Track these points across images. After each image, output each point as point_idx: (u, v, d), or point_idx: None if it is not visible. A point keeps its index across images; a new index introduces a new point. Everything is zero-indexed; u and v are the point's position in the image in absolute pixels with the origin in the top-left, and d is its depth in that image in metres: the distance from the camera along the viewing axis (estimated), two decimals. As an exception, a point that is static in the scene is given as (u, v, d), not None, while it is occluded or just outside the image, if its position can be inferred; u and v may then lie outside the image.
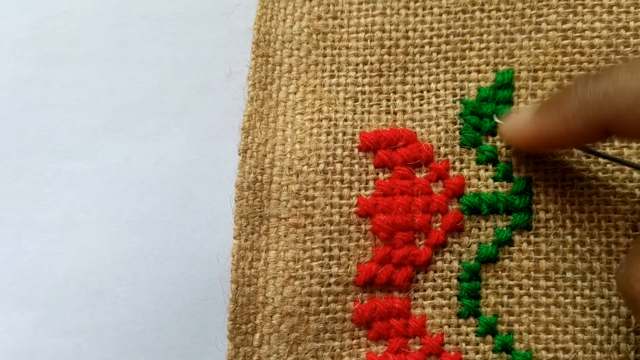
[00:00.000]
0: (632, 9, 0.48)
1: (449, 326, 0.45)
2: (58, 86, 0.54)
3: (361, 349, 0.45)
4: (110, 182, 0.52)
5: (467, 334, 0.45)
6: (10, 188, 0.52)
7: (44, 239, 0.51)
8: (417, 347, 0.45)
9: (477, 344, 0.45)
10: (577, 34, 0.48)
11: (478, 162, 0.47)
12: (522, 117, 0.44)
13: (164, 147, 0.52)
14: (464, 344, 0.45)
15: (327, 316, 0.45)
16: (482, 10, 0.49)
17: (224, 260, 0.46)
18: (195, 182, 0.51)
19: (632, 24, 0.48)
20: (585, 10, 0.48)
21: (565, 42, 0.48)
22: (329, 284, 0.45)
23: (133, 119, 0.53)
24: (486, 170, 0.47)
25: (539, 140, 0.42)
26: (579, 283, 0.45)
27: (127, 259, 0.50)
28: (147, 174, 0.52)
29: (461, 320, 0.45)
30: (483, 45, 0.49)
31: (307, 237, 0.46)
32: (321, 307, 0.45)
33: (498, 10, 0.49)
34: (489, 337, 0.45)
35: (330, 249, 0.45)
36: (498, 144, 0.47)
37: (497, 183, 0.46)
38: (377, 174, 0.47)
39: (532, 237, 0.45)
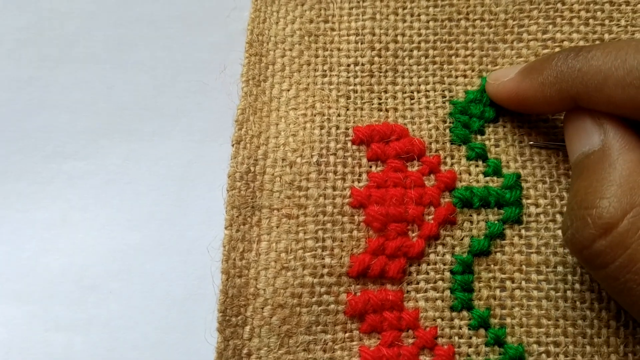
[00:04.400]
0: (606, 22, 0.46)
1: (442, 319, 0.41)
2: (57, 87, 0.51)
3: (354, 342, 0.40)
4: (108, 182, 0.48)
5: (460, 327, 0.40)
6: (10, 187, 0.49)
7: (43, 237, 0.47)
8: (411, 341, 0.40)
9: (470, 338, 0.40)
10: (556, 44, 0.46)
11: (468, 159, 0.43)
12: (506, 72, 0.43)
13: (161, 148, 0.49)
14: (457, 338, 0.40)
15: (320, 308, 0.40)
16: (467, 19, 0.47)
17: (214, 252, 0.41)
18: (190, 182, 0.48)
19: (606, 36, 0.46)
20: (564, 22, 0.46)
21: (545, 51, 0.46)
22: (322, 275, 0.40)
23: (131, 120, 0.50)
24: (476, 166, 0.43)
25: (517, 97, 0.41)
26: (569, 277, 0.41)
27: (123, 255, 0.47)
28: (144, 173, 0.48)
29: (454, 314, 0.41)
30: (468, 52, 0.46)
31: (299, 228, 0.41)
32: (313, 299, 0.40)
33: (482, 19, 0.47)
34: (482, 331, 0.40)
35: (323, 240, 0.41)
36: (487, 142, 0.44)
37: (487, 178, 0.43)
38: (370, 166, 0.43)
39: (523, 231, 0.42)
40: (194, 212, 0.47)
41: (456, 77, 0.46)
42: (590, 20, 0.46)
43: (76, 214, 0.48)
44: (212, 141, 0.49)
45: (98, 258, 0.46)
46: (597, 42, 0.46)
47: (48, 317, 0.45)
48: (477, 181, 0.43)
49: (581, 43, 0.46)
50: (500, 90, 0.43)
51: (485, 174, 0.43)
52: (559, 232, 0.41)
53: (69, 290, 0.46)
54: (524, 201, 0.42)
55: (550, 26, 0.46)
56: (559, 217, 0.42)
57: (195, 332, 0.44)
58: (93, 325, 0.45)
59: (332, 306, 0.40)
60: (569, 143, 0.39)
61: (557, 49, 0.46)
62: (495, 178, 0.43)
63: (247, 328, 0.40)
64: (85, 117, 0.50)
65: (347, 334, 0.40)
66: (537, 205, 0.42)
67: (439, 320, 0.41)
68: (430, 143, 0.44)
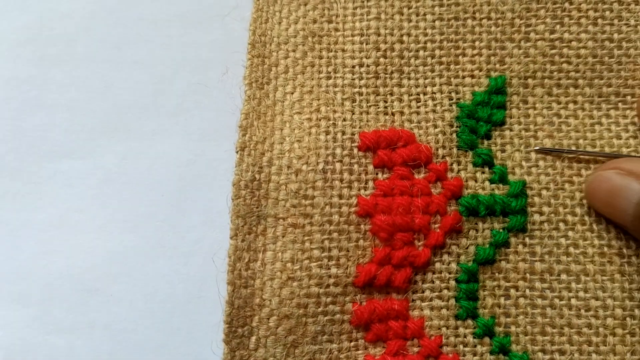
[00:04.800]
0: (615, 21, 0.45)
1: (447, 328, 0.41)
2: (55, 87, 0.50)
3: (359, 352, 0.40)
4: (107, 182, 0.48)
5: (465, 336, 0.40)
6: (6, 187, 0.48)
7: (40, 238, 0.47)
8: (416, 349, 0.40)
9: (475, 346, 0.40)
10: (564, 44, 0.45)
11: (475, 165, 0.43)
12: None
13: (160, 147, 0.48)
14: (461, 346, 0.40)
15: (325, 318, 0.40)
16: (474, 18, 0.46)
17: (219, 260, 0.41)
18: (190, 182, 0.47)
19: (615, 36, 0.45)
20: (572, 21, 0.45)
21: (553, 51, 0.45)
22: (328, 285, 0.40)
23: (129, 119, 0.49)
24: (482, 172, 0.43)
25: None
26: (573, 285, 0.41)
27: (122, 257, 0.46)
28: (143, 173, 0.48)
29: (459, 322, 0.41)
30: (475, 51, 0.45)
31: (305, 238, 0.41)
32: (319, 309, 0.40)
33: (489, 18, 0.46)
34: (487, 339, 0.40)
35: (329, 250, 0.41)
36: (493, 147, 0.43)
37: (493, 185, 0.42)
38: (377, 174, 0.42)
39: (527, 240, 0.41)
40: (194, 213, 0.47)
41: (463, 77, 0.45)
42: (599, 20, 0.45)
43: (74, 214, 0.47)
44: (211, 140, 0.48)
45: (97, 260, 0.46)
46: (606, 42, 0.45)
47: (49, 320, 0.45)
48: (483, 188, 0.42)
49: (589, 43, 0.45)
50: None
51: (492, 181, 0.42)
52: (562, 240, 0.41)
53: (69, 293, 0.45)
54: (528, 209, 0.42)
55: (558, 26, 0.45)
56: (562, 226, 0.41)
57: (197, 335, 0.44)
58: (94, 328, 0.45)
59: (338, 316, 0.40)
60: (613, 210, 0.39)
61: (564, 49, 0.45)
62: (500, 185, 0.42)
63: (253, 338, 0.39)
64: (83, 116, 0.49)
65: (352, 343, 0.40)
66: (541, 214, 0.42)
67: (444, 329, 0.41)
68: (437, 149, 0.43)
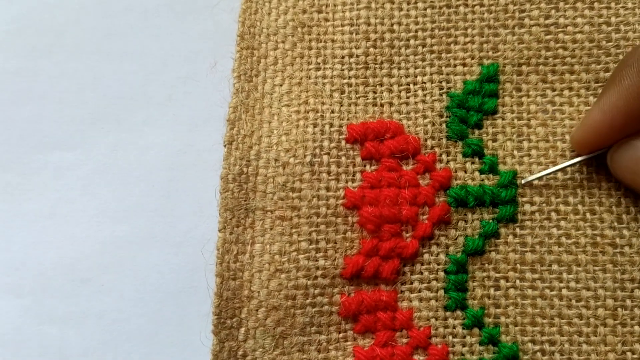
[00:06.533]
0: (612, 4, 0.45)
1: (436, 319, 0.41)
2: (45, 78, 0.50)
3: (348, 343, 0.41)
4: (97, 173, 0.48)
5: (454, 327, 0.41)
6: None
7: (31, 229, 0.48)
8: (404, 341, 0.41)
9: (464, 337, 0.41)
10: (559, 30, 0.45)
11: (464, 155, 0.43)
12: (585, 116, 0.41)
13: (150, 137, 0.49)
14: (450, 337, 0.41)
15: (314, 310, 0.40)
16: (466, 5, 0.45)
17: (208, 253, 0.42)
18: (180, 172, 0.48)
19: (613, 19, 0.44)
20: (567, 6, 0.45)
21: (548, 37, 0.45)
22: (316, 277, 0.41)
23: (119, 110, 0.49)
24: (472, 163, 0.43)
25: (606, 123, 0.39)
26: (564, 275, 0.41)
27: (113, 248, 0.47)
28: (132, 164, 0.48)
29: (448, 313, 0.41)
30: (468, 39, 0.45)
31: (293, 230, 0.41)
32: (307, 301, 0.41)
33: (481, 5, 0.45)
34: (476, 330, 0.41)
35: (317, 242, 0.41)
36: (484, 136, 0.43)
37: (483, 176, 0.42)
38: (364, 166, 0.43)
39: (517, 230, 0.41)
40: (185, 203, 0.47)
41: (455, 65, 0.45)
42: (595, 4, 0.45)
43: (65, 205, 0.48)
44: (201, 130, 0.48)
45: (89, 250, 0.47)
46: (604, 26, 0.44)
47: (41, 310, 0.46)
48: (473, 179, 0.42)
49: (586, 28, 0.44)
50: (590, 134, 0.40)
51: (481, 172, 0.42)
52: (554, 230, 0.41)
53: (61, 283, 0.46)
54: (519, 199, 0.42)
55: (553, 11, 0.45)
56: (554, 215, 0.41)
57: (188, 324, 0.45)
58: (86, 318, 0.46)
59: (326, 307, 0.41)
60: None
61: (560, 35, 0.44)
62: (490, 175, 0.42)
63: (242, 330, 0.40)
64: (73, 107, 0.49)
65: (341, 334, 0.41)
66: (532, 204, 0.42)
67: (432, 320, 0.41)
68: (426, 139, 0.43)
